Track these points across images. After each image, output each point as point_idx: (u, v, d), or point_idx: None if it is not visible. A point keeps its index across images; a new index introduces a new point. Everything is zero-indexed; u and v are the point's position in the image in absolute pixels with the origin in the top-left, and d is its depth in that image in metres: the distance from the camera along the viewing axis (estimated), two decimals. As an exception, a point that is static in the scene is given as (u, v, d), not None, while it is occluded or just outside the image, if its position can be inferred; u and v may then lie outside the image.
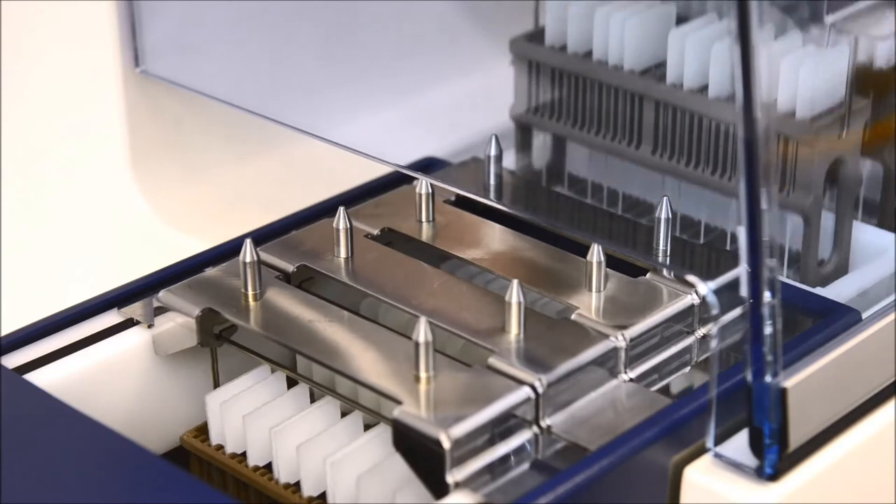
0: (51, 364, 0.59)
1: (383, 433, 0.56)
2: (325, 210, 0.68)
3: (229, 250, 0.65)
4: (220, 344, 0.61)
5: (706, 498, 0.55)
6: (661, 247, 0.63)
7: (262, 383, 0.60)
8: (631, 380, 0.58)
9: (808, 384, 0.54)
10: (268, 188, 0.80)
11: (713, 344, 0.58)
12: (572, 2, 0.71)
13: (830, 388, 0.56)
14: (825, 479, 0.55)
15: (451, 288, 0.61)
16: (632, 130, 0.70)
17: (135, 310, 0.62)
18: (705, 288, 0.60)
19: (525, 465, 0.55)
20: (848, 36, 0.64)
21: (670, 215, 0.63)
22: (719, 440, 0.55)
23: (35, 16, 0.75)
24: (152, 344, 0.61)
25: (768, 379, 0.53)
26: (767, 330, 0.52)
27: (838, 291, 0.65)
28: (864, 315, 0.61)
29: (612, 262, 0.61)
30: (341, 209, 0.63)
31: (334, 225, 0.63)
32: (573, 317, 0.59)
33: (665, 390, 0.59)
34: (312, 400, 0.60)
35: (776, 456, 0.54)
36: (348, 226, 0.63)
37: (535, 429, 0.55)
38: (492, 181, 0.68)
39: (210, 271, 0.63)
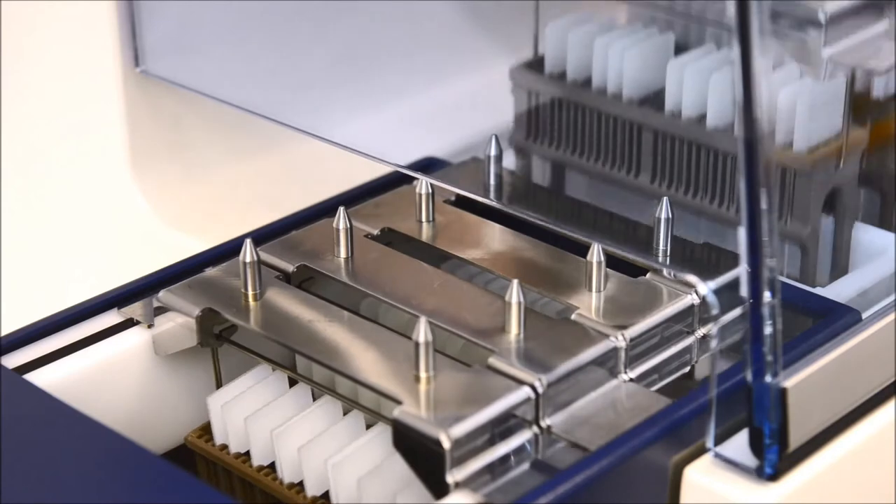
0: (51, 364, 0.59)
1: (383, 433, 0.56)
2: (325, 210, 0.68)
3: (229, 250, 0.65)
4: (220, 344, 0.61)
5: (706, 498, 0.55)
6: (661, 247, 0.63)
7: (263, 383, 0.60)
8: (631, 380, 0.58)
9: (808, 384, 0.54)
10: (268, 188, 0.80)
11: (713, 344, 0.58)
12: (572, 31, 0.71)
13: (830, 388, 0.56)
14: (825, 479, 0.55)
15: (451, 288, 0.61)
16: (630, 159, 0.70)
17: (135, 310, 0.62)
18: (705, 288, 0.60)
19: (525, 465, 0.55)
20: (845, 68, 0.64)
21: (670, 215, 0.63)
22: (719, 440, 0.55)
23: (35, 16, 0.75)
24: (152, 344, 0.61)
25: (768, 379, 0.53)
26: (767, 330, 0.52)
27: (838, 291, 0.65)
28: (864, 315, 0.61)
29: (612, 262, 0.61)
30: (341, 209, 0.63)
31: (334, 225, 0.63)
32: (573, 317, 0.59)
33: (665, 390, 0.59)
34: (314, 398, 0.60)
35: (776, 456, 0.54)
36: (348, 226, 0.63)
37: (535, 429, 0.55)
38: (492, 181, 0.68)
39: (210, 271, 0.63)
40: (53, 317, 0.61)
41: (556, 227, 0.64)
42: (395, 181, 0.70)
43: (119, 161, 0.76)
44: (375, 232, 0.65)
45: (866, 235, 0.69)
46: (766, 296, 0.52)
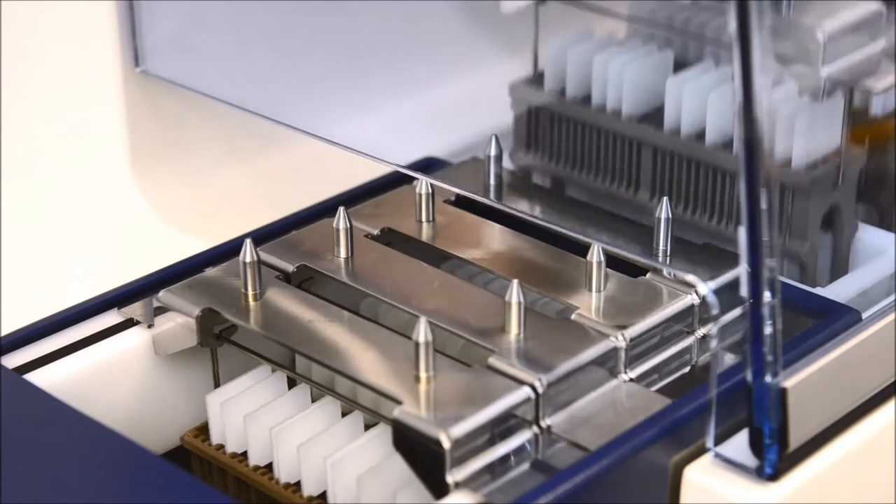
0: (51, 364, 0.59)
1: (383, 433, 0.56)
2: (325, 210, 0.68)
3: (229, 250, 0.65)
4: (220, 344, 0.61)
5: (706, 498, 0.55)
6: (661, 247, 0.63)
7: (263, 383, 0.60)
8: (631, 380, 0.58)
9: (808, 384, 0.54)
10: (268, 188, 0.80)
11: (713, 344, 0.58)
12: (572, 47, 0.71)
13: (830, 388, 0.56)
14: (825, 479, 0.55)
15: (451, 288, 0.61)
16: (630, 175, 0.70)
17: (135, 310, 0.62)
18: (705, 288, 0.60)
19: (525, 465, 0.55)
20: (843, 87, 0.64)
21: (670, 215, 0.63)
22: (719, 440, 0.55)
23: (35, 16, 0.75)
24: (152, 344, 0.61)
25: (768, 379, 0.53)
26: (767, 330, 0.52)
27: (838, 291, 0.65)
28: (864, 315, 0.62)
29: (612, 262, 0.61)
30: (341, 209, 0.63)
31: (334, 225, 0.63)
32: (573, 317, 0.59)
33: (665, 390, 0.59)
34: (313, 400, 0.60)
35: (776, 456, 0.54)
36: (348, 226, 0.63)
37: (535, 429, 0.55)
38: (492, 181, 0.68)
39: (210, 271, 0.63)
40: (53, 317, 0.61)
41: (556, 227, 0.64)
42: (395, 181, 0.70)
43: (119, 161, 0.76)
44: (375, 232, 0.65)
45: (866, 235, 0.69)
46: (766, 296, 0.52)
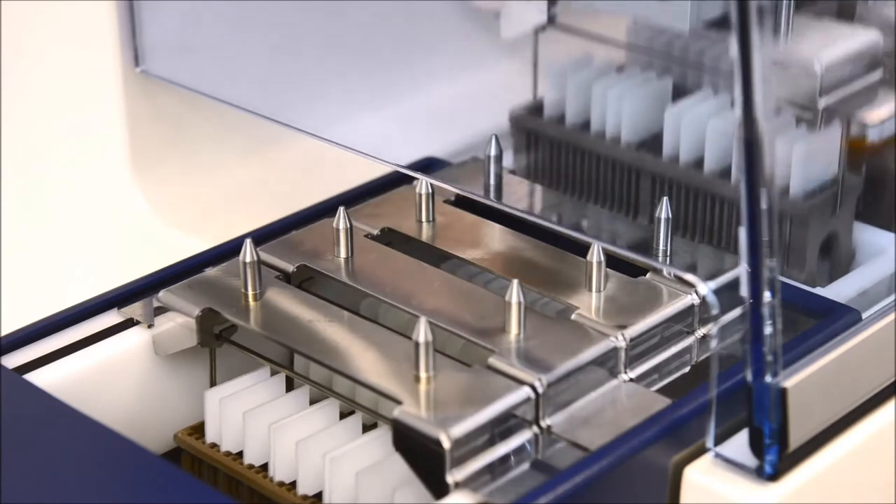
0: (51, 364, 0.59)
1: (384, 434, 0.56)
2: (325, 210, 0.68)
3: (229, 250, 0.65)
4: (220, 344, 0.61)
5: (706, 498, 0.55)
6: (661, 247, 0.63)
7: (262, 384, 0.60)
8: (631, 380, 0.58)
9: (808, 384, 0.54)
10: (268, 188, 0.80)
11: (713, 344, 0.58)
12: (571, 75, 0.71)
13: (830, 388, 0.56)
14: (825, 479, 0.55)
15: (451, 288, 0.61)
16: (629, 202, 0.70)
17: (135, 310, 0.62)
18: (705, 288, 0.60)
19: (525, 465, 0.55)
20: (840, 118, 0.65)
21: (670, 215, 0.63)
22: (719, 440, 0.55)
23: (35, 16, 0.75)
24: (152, 344, 0.61)
25: (768, 379, 0.53)
26: (767, 330, 0.52)
27: (838, 291, 0.65)
28: (864, 315, 0.62)
29: (612, 262, 0.61)
30: (341, 209, 0.63)
31: (334, 225, 0.63)
32: (573, 317, 0.59)
33: (665, 390, 0.59)
34: (312, 402, 0.60)
35: (776, 456, 0.54)
36: (348, 226, 0.63)
37: (535, 429, 0.55)
38: (492, 181, 0.68)
39: (210, 271, 0.63)
40: (53, 317, 0.61)
41: (556, 227, 0.64)
42: (395, 181, 0.70)
43: (119, 161, 0.76)
44: (375, 232, 0.65)
45: (866, 235, 0.69)
46: (766, 296, 0.52)
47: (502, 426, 0.54)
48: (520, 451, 0.55)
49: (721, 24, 0.64)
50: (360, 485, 0.55)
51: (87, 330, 0.61)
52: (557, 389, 0.56)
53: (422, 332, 0.55)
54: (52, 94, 0.76)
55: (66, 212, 0.77)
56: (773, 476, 0.54)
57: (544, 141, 0.73)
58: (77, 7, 0.74)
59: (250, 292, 0.61)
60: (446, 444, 0.53)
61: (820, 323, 0.61)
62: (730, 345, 0.58)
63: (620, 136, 0.70)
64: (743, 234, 0.52)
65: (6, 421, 0.55)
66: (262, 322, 0.60)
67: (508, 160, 0.73)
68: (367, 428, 0.58)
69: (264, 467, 0.59)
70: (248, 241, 0.61)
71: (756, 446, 0.54)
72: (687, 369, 0.60)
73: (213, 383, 0.62)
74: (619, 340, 0.58)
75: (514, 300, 0.57)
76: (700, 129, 0.68)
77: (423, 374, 0.55)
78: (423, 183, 0.66)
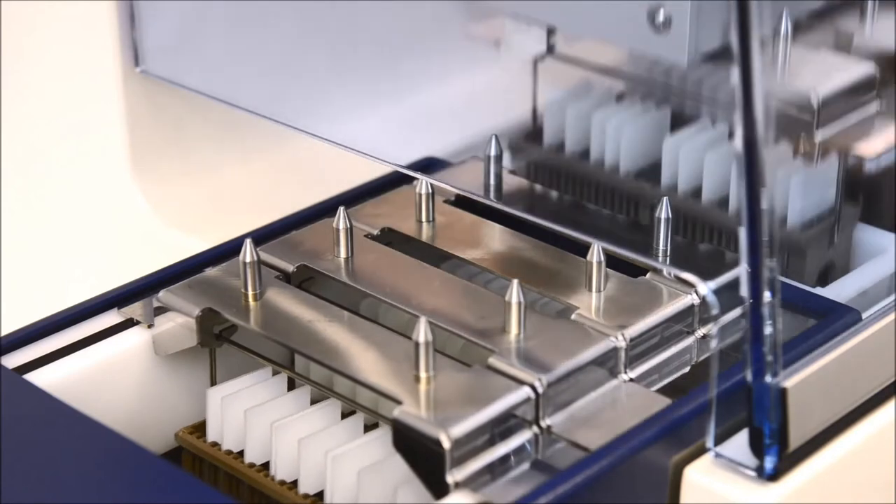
0: (51, 364, 0.59)
1: (384, 434, 0.56)
2: (325, 210, 0.68)
3: (229, 250, 0.65)
4: (220, 344, 0.61)
5: (706, 498, 0.55)
6: (661, 247, 0.63)
7: (263, 384, 0.60)
8: (631, 380, 0.58)
9: (808, 384, 0.54)
10: (268, 188, 0.80)
11: (713, 344, 0.58)
12: (570, 105, 0.72)
13: (830, 388, 0.56)
14: (825, 479, 0.55)
15: (451, 288, 0.61)
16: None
17: (135, 310, 0.62)
18: (705, 288, 0.60)
19: (525, 465, 0.55)
20: (837, 150, 0.65)
21: (670, 215, 0.63)
22: (719, 440, 0.55)
23: (35, 16, 0.75)
24: (152, 344, 0.61)
25: (768, 379, 0.53)
26: (767, 330, 0.52)
27: (838, 291, 0.65)
28: (864, 315, 0.62)
29: (612, 262, 0.61)
30: (341, 209, 0.63)
31: (334, 225, 0.63)
32: (573, 317, 0.59)
33: (665, 390, 0.59)
34: (313, 402, 0.60)
35: (776, 456, 0.54)
36: (348, 226, 0.63)
37: (535, 429, 0.55)
38: (492, 181, 0.68)
39: (210, 271, 0.63)
40: (53, 317, 0.61)
41: (556, 227, 0.64)
42: (395, 181, 0.70)
43: (119, 161, 0.76)
44: (375, 232, 0.65)
45: (866, 235, 0.69)
46: (766, 296, 0.52)
47: (502, 426, 0.54)
48: (520, 451, 0.55)
49: (719, 56, 0.64)
50: (361, 483, 0.55)
51: (87, 330, 0.61)
52: (557, 389, 0.56)
53: (422, 332, 0.55)
54: (52, 94, 0.76)
55: (66, 212, 0.77)
56: (773, 476, 0.54)
57: (543, 169, 0.73)
58: (77, 7, 0.74)
59: (250, 292, 0.61)
60: (446, 444, 0.53)
61: (820, 323, 0.61)
62: (730, 345, 0.58)
63: (619, 165, 0.70)
64: (743, 234, 0.52)
65: (6, 421, 0.55)
66: (262, 322, 0.60)
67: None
68: (368, 428, 0.58)
69: (265, 466, 0.59)
70: (248, 241, 0.61)
71: (756, 446, 0.54)
72: (687, 369, 0.60)
73: (213, 383, 0.62)
74: (619, 340, 0.58)
75: (514, 300, 0.57)
76: (698, 160, 0.68)
77: (423, 374, 0.55)
78: (423, 183, 0.66)
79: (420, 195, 0.66)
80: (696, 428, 0.55)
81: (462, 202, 0.68)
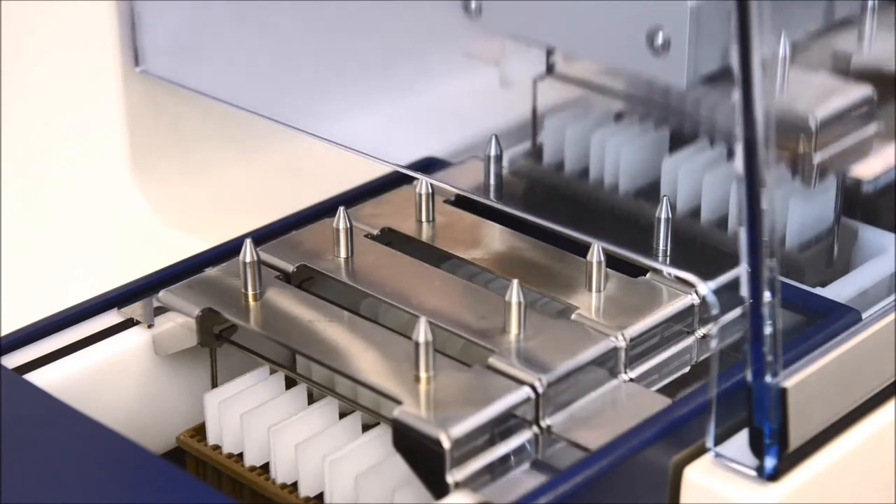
0: (51, 364, 0.59)
1: (383, 434, 0.56)
2: (325, 210, 0.68)
3: (229, 250, 0.65)
4: (220, 344, 0.61)
5: (706, 498, 0.55)
6: (661, 247, 0.63)
7: (261, 384, 0.60)
8: (631, 380, 0.58)
9: (808, 384, 0.54)
10: (268, 188, 0.80)
11: (713, 344, 0.58)
12: (570, 124, 0.72)
13: (830, 388, 0.56)
14: (825, 479, 0.55)
15: (451, 288, 0.61)
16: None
17: (135, 310, 0.62)
18: (705, 288, 0.60)
19: (525, 465, 0.55)
20: (835, 172, 0.65)
21: (670, 215, 0.63)
22: (719, 440, 0.55)
23: (35, 16, 0.75)
24: (152, 344, 0.61)
25: (768, 379, 0.53)
26: (767, 330, 0.52)
27: (838, 291, 0.65)
28: (864, 315, 0.62)
29: (612, 262, 0.61)
30: (341, 209, 0.63)
31: (334, 225, 0.63)
32: (573, 317, 0.59)
33: (665, 390, 0.59)
34: (311, 402, 0.60)
35: (776, 456, 0.54)
36: (348, 226, 0.63)
37: (535, 429, 0.55)
38: (492, 181, 0.68)
39: (210, 271, 0.63)
40: (53, 317, 0.61)
41: (556, 227, 0.64)
42: (395, 181, 0.70)
43: (119, 161, 0.76)
44: (375, 232, 0.65)
45: (866, 235, 0.69)
46: (766, 296, 0.52)
47: (502, 426, 0.54)
48: (520, 451, 0.55)
49: (718, 78, 0.64)
50: (359, 487, 0.55)
51: (87, 330, 0.61)
52: (557, 389, 0.56)
53: (422, 332, 0.55)
54: (52, 94, 0.76)
55: (66, 212, 0.77)
56: (773, 476, 0.54)
57: (542, 187, 0.73)
58: (77, 7, 0.74)
59: (250, 292, 0.61)
60: (446, 444, 0.53)
61: (820, 323, 0.61)
62: (730, 345, 0.58)
63: (618, 185, 0.70)
64: (743, 234, 0.52)
65: (6, 421, 0.55)
66: (262, 322, 0.60)
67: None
68: (366, 427, 0.58)
69: (265, 468, 0.59)
70: (248, 241, 0.61)
71: (756, 446, 0.54)
72: (687, 369, 0.60)
73: (213, 383, 0.62)
74: (619, 340, 0.58)
75: (514, 300, 0.57)
76: (697, 181, 0.68)
77: (423, 374, 0.55)
78: (423, 183, 0.66)
79: (420, 195, 0.66)
80: (696, 428, 0.55)
81: (462, 202, 0.68)
